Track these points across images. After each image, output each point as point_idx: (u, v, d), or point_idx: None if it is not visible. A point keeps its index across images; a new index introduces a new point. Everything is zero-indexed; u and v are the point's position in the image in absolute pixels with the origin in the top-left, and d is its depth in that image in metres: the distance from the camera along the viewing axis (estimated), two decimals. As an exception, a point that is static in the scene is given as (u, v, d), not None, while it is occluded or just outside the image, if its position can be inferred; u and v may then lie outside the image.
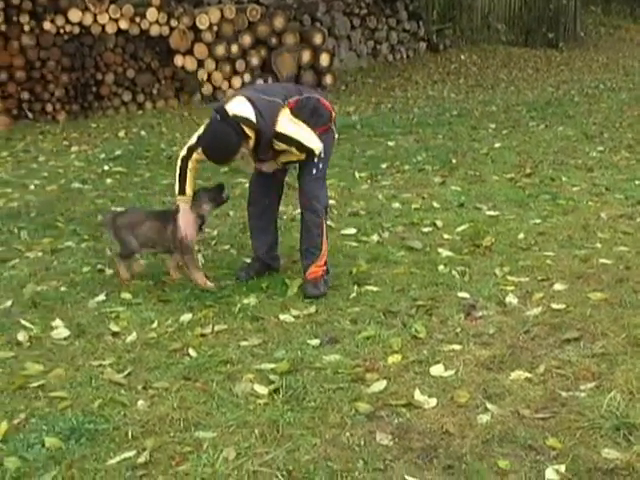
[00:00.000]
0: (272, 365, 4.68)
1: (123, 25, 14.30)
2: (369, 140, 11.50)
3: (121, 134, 12.56)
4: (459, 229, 7.09)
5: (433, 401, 4.24)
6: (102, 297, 5.82)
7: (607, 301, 5.44)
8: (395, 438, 3.93)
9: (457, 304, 5.50)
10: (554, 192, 8.24)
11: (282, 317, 5.40)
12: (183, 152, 5.77)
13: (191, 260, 5.95)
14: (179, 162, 5.77)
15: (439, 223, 7.30)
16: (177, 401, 4.32)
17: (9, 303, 5.77)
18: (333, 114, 5.99)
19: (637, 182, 8.54)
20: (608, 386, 4.30)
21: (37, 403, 4.38)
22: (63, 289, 6.02)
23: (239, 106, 5.42)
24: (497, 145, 10.78)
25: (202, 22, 15.17)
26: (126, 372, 4.70)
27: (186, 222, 5.84)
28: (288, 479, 3.63)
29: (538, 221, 7.27)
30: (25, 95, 13.76)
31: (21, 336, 5.20)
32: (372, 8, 20.03)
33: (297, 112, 5.66)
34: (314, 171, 5.79)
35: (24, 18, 13.46)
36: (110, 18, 14.12)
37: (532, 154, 10.15)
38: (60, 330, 5.29)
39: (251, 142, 5.46)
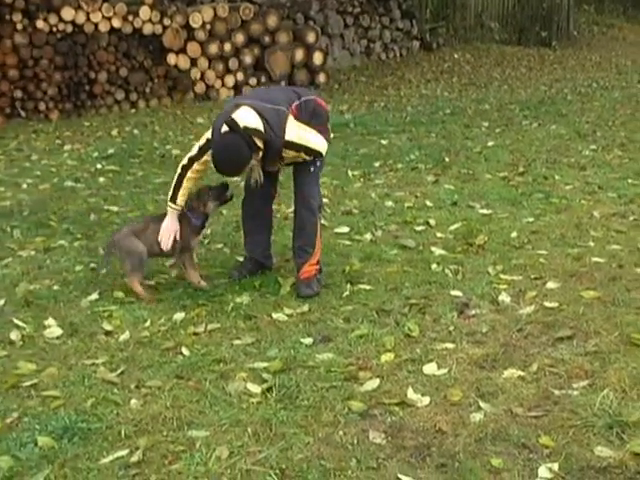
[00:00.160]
0: (265, 364, 4.68)
1: (116, 23, 14.29)
2: (362, 139, 11.50)
3: (114, 133, 12.54)
4: (452, 228, 7.10)
5: (426, 399, 4.25)
6: (95, 296, 5.81)
7: (600, 299, 5.44)
8: (388, 437, 3.93)
9: (450, 303, 5.50)
10: (547, 191, 8.24)
11: (275, 316, 5.40)
12: (184, 161, 5.71)
13: (188, 259, 5.94)
14: (178, 170, 5.73)
15: (432, 222, 7.30)
16: (170, 400, 4.32)
17: (2, 302, 5.76)
18: (329, 113, 6.00)
19: (630, 180, 8.55)
20: (601, 384, 4.31)
21: (30, 402, 4.37)
22: (56, 288, 6.01)
23: (248, 117, 5.36)
24: (490, 144, 10.78)
25: (195, 21, 15.16)
26: (119, 371, 4.70)
27: (168, 229, 5.82)
28: (281, 478, 3.62)
29: (531, 220, 7.27)
30: (18, 94, 13.75)
31: (14, 335, 5.20)
32: (365, 7, 20.03)
33: (299, 116, 5.66)
34: (312, 169, 5.79)
35: (17, 17, 13.45)
36: (103, 16, 14.11)
37: (525, 153, 10.15)
38: (53, 329, 5.29)
39: (260, 153, 5.45)
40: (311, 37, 16.92)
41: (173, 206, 5.79)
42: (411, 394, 4.29)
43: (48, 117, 13.91)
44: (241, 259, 6.32)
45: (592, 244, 6.57)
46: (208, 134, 5.58)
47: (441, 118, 13.12)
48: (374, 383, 4.42)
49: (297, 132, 5.56)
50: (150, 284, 6.03)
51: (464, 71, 19.83)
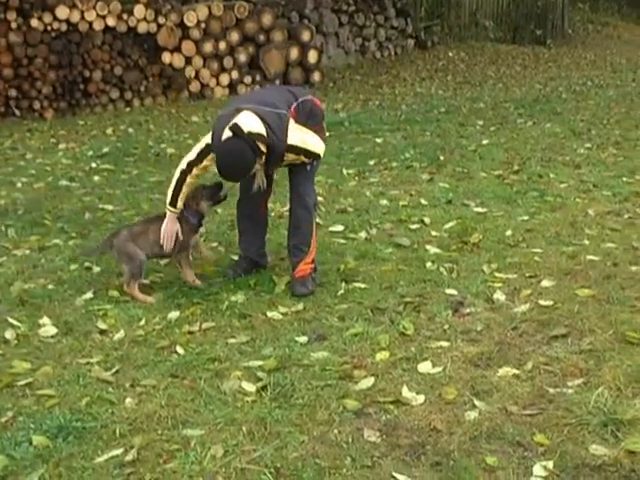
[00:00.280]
0: (260, 362, 4.68)
1: (110, 22, 14.27)
2: (357, 137, 11.50)
3: (109, 131, 12.53)
4: (447, 226, 7.10)
5: (421, 398, 4.25)
6: (90, 295, 5.81)
7: (595, 297, 5.45)
8: (383, 435, 3.93)
9: (445, 301, 5.50)
10: (542, 189, 8.25)
11: (270, 314, 5.40)
12: (182, 166, 5.70)
13: (185, 258, 5.94)
14: (177, 174, 5.72)
15: (427, 220, 7.30)
16: (165, 399, 4.32)
17: (-4, 301, 5.77)
18: (324, 112, 6.01)
19: (624, 179, 8.56)
20: (596, 382, 4.31)
21: (24, 401, 4.37)
22: (50, 287, 6.01)
23: (251, 122, 5.35)
24: (485, 142, 10.79)
25: (190, 19, 15.14)
26: (114, 370, 4.70)
27: (169, 231, 5.83)
28: (276, 476, 3.62)
29: (526, 218, 7.28)
30: (12, 92, 13.74)
31: (8, 334, 5.19)
32: (360, 5, 20.04)
33: (298, 118, 5.66)
34: (308, 167, 5.79)
35: (11, 15, 13.43)
36: (97, 15, 14.09)
37: (520, 151, 10.16)
38: (48, 328, 5.28)
39: (264, 157, 5.45)
40: (306, 35, 16.92)
41: (173, 210, 5.79)
42: (406, 392, 4.30)
43: (43, 116, 13.90)
44: (236, 258, 6.32)
45: (587, 242, 6.58)
46: (208, 138, 5.57)
47: (436, 116, 13.12)
48: (369, 381, 4.42)
49: (299, 136, 5.57)
50: (145, 282, 6.02)
51: (459, 69, 19.84)
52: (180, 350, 4.90)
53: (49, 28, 13.73)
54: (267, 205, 6.17)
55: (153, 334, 5.17)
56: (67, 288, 5.98)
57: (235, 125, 5.25)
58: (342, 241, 6.82)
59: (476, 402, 4.18)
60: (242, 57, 16.04)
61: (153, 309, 5.57)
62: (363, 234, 6.97)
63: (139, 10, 14.56)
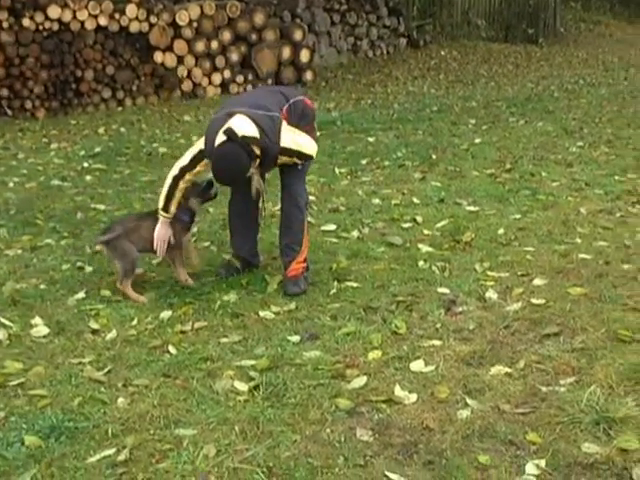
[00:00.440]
0: (252, 362, 4.68)
1: (102, 21, 14.25)
2: (349, 136, 11.50)
3: (101, 131, 12.51)
4: (439, 225, 7.10)
5: (413, 397, 4.25)
6: (82, 294, 5.80)
7: (587, 296, 5.45)
8: (375, 434, 3.93)
9: (437, 300, 5.51)
10: (534, 187, 8.26)
11: (262, 314, 5.40)
12: (174, 171, 5.69)
13: (178, 256, 5.93)
14: (169, 180, 5.70)
15: (419, 219, 7.30)
16: (157, 398, 4.32)
17: (-12, 301, 5.75)
18: (315, 111, 6.01)
19: (616, 177, 8.58)
20: (588, 381, 4.32)
21: (16, 401, 4.36)
22: (43, 287, 6.00)
23: (245, 126, 5.34)
24: (477, 141, 10.80)
25: (182, 18, 15.13)
26: (106, 370, 4.69)
27: (162, 236, 5.83)
28: (268, 476, 3.62)
29: (518, 216, 7.28)
30: (4, 92, 13.71)
31: (0, 334, 5.18)
32: (352, 4, 20.03)
33: (290, 120, 5.66)
34: (299, 167, 5.78)
35: (3, 15, 13.40)
36: (89, 14, 14.07)
37: (512, 150, 10.17)
38: (40, 328, 5.27)
39: (258, 160, 5.45)
40: (298, 35, 16.91)
41: (166, 215, 5.78)
42: (398, 391, 4.30)
43: (34, 115, 13.87)
44: (228, 257, 6.31)
45: (579, 241, 6.59)
46: (201, 144, 5.57)
47: (428, 115, 13.12)
48: (361, 380, 4.42)
49: (292, 138, 5.57)
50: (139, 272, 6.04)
51: (451, 68, 19.86)
52: (172, 350, 4.90)
53: (41, 27, 13.70)
54: (258, 205, 6.15)
55: (145, 334, 5.16)
56: (59, 288, 5.97)
57: (229, 129, 5.25)
58: (334, 240, 6.82)
59: (468, 401, 4.18)
60: (234, 56, 16.03)
61: (145, 309, 5.56)
62: (355, 233, 6.97)
63: (131, 9, 14.54)
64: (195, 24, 15.38)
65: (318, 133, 6.14)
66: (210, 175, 5.56)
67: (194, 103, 15.16)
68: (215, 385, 4.44)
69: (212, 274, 6.11)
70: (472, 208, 7.59)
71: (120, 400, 4.33)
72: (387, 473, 3.60)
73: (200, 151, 5.55)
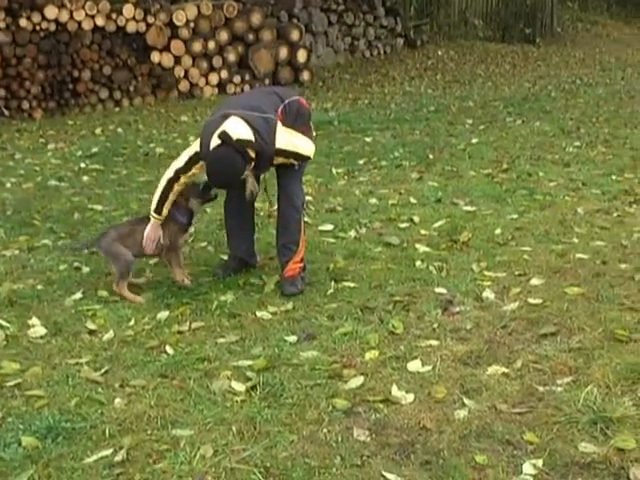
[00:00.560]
0: (249, 362, 4.68)
1: (99, 22, 14.27)
2: (346, 136, 11.50)
3: (98, 131, 12.51)
4: (436, 225, 7.10)
5: (410, 397, 4.25)
6: (79, 295, 5.79)
7: (584, 296, 5.46)
8: (372, 434, 3.93)
9: (434, 300, 5.51)
10: (531, 187, 8.26)
11: (259, 314, 5.39)
12: (169, 173, 5.69)
13: (175, 257, 5.93)
14: (164, 182, 5.70)
15: (416, 219, 7.30)
16: (154, 399, 4.31)
17: (-15, 302, 5.75)
18: (310, 111, 6.01)
19: (613, 177, 8.58)
20: (585, 380, 4.32)
21: (14, 402, 4.36)
22: (40, 287, 5.99)
23: (239, 129, 5.33)
24: (474, 141, 10.80)
25: (179, 19, 15.14)
26: (103, 370, 4.69)
27: (151, 237, 5.83)
28: (266, 476, 3.62)
29: (515, 216, 7.28)
30: (1, 92, 13.72)
31: (-3, 335, 5.19)
32: (349, 4, 20.04)
33: (285, 121, 5.65)
34: (296, 167, 5.78)
35: (0, 15, 13.39)
36: (86, 15, 14.08)
37: (509, 149, 10.17)
38: (37, 328, 5.27)
39: (253, 163, 5.44)
40: (295, 35, 16.93)
41: (157, 217, 5.78)
42: (395, 391, 4.30)
43: (32, 116, 13.87)
44: (225, 257, 6.31)
45: (576, 240, 6.59)
46: (196, 146, 5.56)
47: (425, 115, 13.13)
48: (358, 381, 4.42)
49: (287, 139, 5.56)
50: (139, 281, 6.03)
51: (448, 68, 19.87)
52: (169, 350, 4.90)
53: (38, 28, 13.72)
54: (254, 204, 6.15)
55: (142, 334, 5.16)
56: (56, 288, 5.97)
57: (224, 133, 5.24)
58: (331, 240, 6.82)
59: (466, 401, 4.18)
60: (231, 56, 16.04)
61: (142, 309, 5.56)
62: (352, 233, 6.97)
63: (128, 9, 14.55)
64: (192, 24, 15.42)
65: (315, 133, 6.12)
66: (205, 177, 5.55)
67: (191, 103, 15.17)
68: (212, 385, 4.43)
69: (209, 274, 6.11)
70: (469, 208, 7.59)
71: (117, 400, 4.32)
72: (384, 473, 3.60)
73: (196, 153, 5.55)
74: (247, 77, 16.27)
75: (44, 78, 13.94)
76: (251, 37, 16.29)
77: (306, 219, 6.38)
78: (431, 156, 9.91)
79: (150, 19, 14.84)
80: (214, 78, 15.86)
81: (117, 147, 11.10)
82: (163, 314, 5.42)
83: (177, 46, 15.25)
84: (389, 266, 6.17)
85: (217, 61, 15.82)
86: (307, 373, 4.53)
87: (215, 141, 5.26)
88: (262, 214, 7.33)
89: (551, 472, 3.58)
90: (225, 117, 5.43)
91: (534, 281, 5.75)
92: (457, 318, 5.21)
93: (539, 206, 7.60)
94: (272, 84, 16.10)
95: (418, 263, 6.19)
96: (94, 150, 10.86)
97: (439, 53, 21.81)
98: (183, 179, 5.64)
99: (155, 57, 15.09)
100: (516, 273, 5.93)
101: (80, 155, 10.63)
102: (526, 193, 8.04)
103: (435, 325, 5.11)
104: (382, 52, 21.16)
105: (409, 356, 4.69)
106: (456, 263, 6.18)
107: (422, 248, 6.52)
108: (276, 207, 5.96)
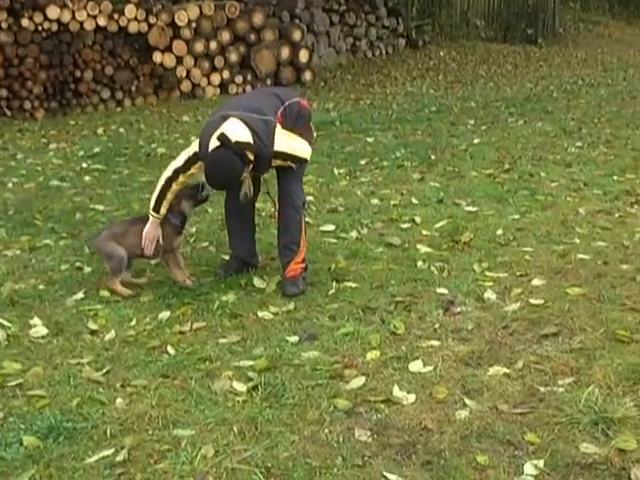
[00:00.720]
0: (251, 362, 4.68)
1: (101, 22, 14.26)
2: (348, 136, 11.49)
3: (100, 131, 12.51)
4: (438, 225, 7.10)
5: (412, 397, 4.25)
6: (80, 295, 5.80)
7: (585, 296, 5.45)
8: (374, 434, 3.93)
9: (436, 300, 5.51)
10: (533, 188, 8.26)
11: (261, 314, 5.39)
12: (168, 172, 5.69)
13: (172, 259, 5.93)
14: (162, 181, 5.71)
15: (418, 219, 7.30)
16: (156, 399, 4.31)
17: (-13, 301, 5.75)
18: (311, 112, 6.01)
19: (615, 177, 8.58)
20: (586, 381, 4.32)
21: (15, 402, 4.36)
22: (41, 287, 5.99)
23: (238, 130, 5.33)
24: (476, 141, 10.80)
25: (181, 19, 15.13)
26: (104, 370, 4.69)
27: (150, 236, 5.84)
28: (267, 476, 3.62)
29: (517, 217, 7.28)
30: (3, 92, 13.73)
31: (-1, 335, 5.19)
32: (351, 4, 20.05)
33: (285, 123, 5.65)
34: (295, 168, 5.78)
35: (1, 15, 13.42)
36: (88, 15, 14.08)
37: (511, 150, 10.17)
38: (38, 328, 5.27)
39: (251, 165, 5.45)
40: (297, 35, 16.93)
41: (156, 215, 5.79)
42: (397, 392, 4.30)
43: (33, 116, 13.88)
44: (227, 258, 6.31)
45: (577, 241, 6.59)
46: (195, 146, 5.56)
47: (427, 116, 13.12)
48: (360, 381, 4.42)
49: (286, 142, 5.56)
50: (140, 282, 6.04)
51: (450, 69, 19.86)
52: (171, 350, 4.90)
53: (40, 28, 13.71)
54: (255, 204, 6.15)
55: (144, 334, 5.16)
56: (58, 288, 5.97)
57: (222, 135, 5.24)
58: (333, 240, 6.82)
59: (467, 401, 4.18)
60: (233, 57, 16.04)
61: (144, 309, 5.56)
62: (354, 233, 6.97)
63: (130, 10, 14.55)
64: (194, 24, 15.40)
65: (316, 133, 6.13)
66: (203, 178, 5.55)
67: (193, 103, 15.17)
68: (213, 385, 4.43)
69: (210, 274, 6.11)
70: (471, 208, 7.59)
71: (118, 400, 4.32)
72: (385, 473, 3.60)
73: (195, 153, 5.55)
74: (249, 77, 16.27)
75: (46, 78, 13.94)
76: (253, 37, 16.29)
77: (307, 219, 6.38)
78: (433, 156, 9.90)
79: (152, 19, 14.84)
80: (216, 78, 15.86)
81: (119, 147, 11.10)
82: (164, 314, 5.42)
83: (179, 46, 15.25)
84: (390, 266, 6.16)
85: (219, 61, 15.82)
86: (308, 373, 4.53)
87: (214, 143, 5.27)
88: (263, 214, 7.33)
89: (552, 473, 3.58)
90: (224, 118, 5.43)
91: (535, 281, 5.75)
92: (458, 318, 5.21)
93: (541, 206, 7.60)
94: (274, 84, 16.12)
95: (419, 263, 6.19)
96: (96, 150, 10.86)
97: (441, 53, 21.81)
98: (182, 178, 5.64)
99: (157, 57, 15.09)
100: (517, 273, 5.93)
101: (82, 155, 10.63)
102: (528, 193, 8.04)
103: (436, 325, 5.11)
104: (384, 52, 21.17)
105: (410, 356, 4.69)
106: (457, 263, 6.18)
107: (423, 248, 6.52)
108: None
